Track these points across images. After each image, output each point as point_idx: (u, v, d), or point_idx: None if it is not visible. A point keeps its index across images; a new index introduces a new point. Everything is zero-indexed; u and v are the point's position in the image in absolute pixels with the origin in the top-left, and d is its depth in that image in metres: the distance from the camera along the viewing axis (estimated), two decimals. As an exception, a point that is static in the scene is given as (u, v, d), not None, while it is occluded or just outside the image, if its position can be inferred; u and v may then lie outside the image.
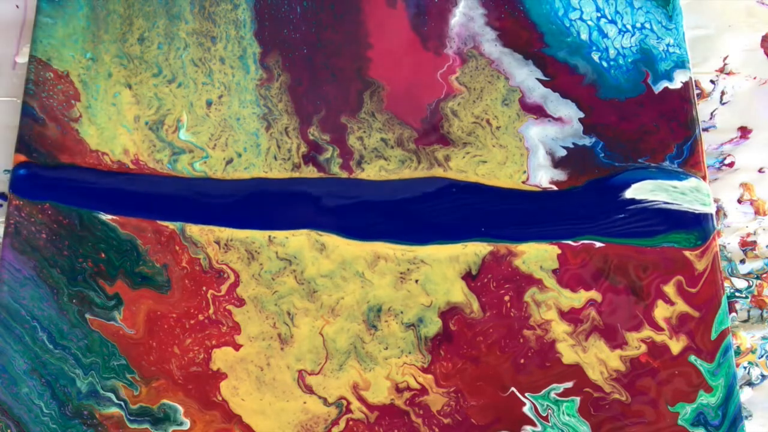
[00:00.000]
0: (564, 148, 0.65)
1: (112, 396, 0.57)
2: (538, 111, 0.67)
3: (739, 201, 0.69)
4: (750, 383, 0.64)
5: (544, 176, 0.64)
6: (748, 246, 0.68)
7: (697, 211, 0.63)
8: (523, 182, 0.64)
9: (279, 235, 0.61)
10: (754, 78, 0.71)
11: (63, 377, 0.58)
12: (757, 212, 0.69)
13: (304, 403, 0.58)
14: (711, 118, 0.70)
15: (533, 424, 0.59)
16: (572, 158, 0.65)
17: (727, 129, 0.70)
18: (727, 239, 0.68)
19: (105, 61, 0.66)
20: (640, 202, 0.64)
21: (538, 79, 0.68)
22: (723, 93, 0.70)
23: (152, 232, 0.61)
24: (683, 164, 0.65)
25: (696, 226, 0.63)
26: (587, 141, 0.66)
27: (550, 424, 0.59)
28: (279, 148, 0.64)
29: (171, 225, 0.61)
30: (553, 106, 0.67)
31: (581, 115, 0.67)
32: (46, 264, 0.60)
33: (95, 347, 0.58)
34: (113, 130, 0.64)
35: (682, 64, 0.69)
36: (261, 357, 0.59)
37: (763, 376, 0.64)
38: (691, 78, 0.68)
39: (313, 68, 0.67)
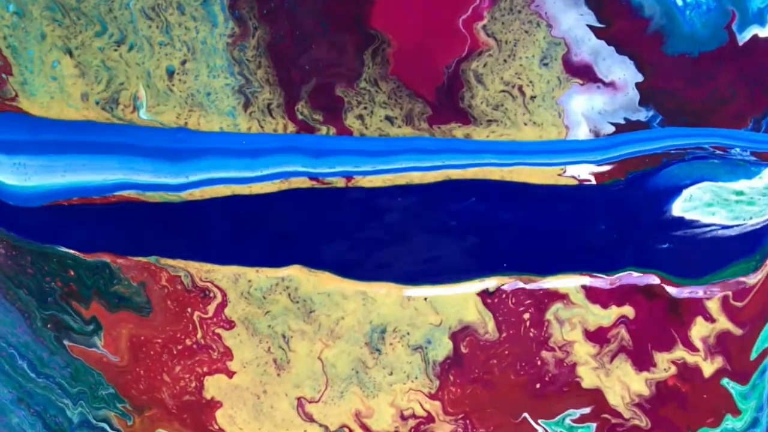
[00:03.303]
0: (613, 125, 0.53)
1: (106, 426, 0.55)
2: (585, 73, 0.52)
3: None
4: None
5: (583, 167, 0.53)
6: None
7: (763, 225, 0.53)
8: (559, 175, 0.53)
9: (265, 273, 0.53)
10: None
11: (52, 407, 0.55)
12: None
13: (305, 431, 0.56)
14: None
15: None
16: (621, 139, 0.53)
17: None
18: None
19: (34, 16, 0.51)
20: (692, 225, 0.53)
21: (589, 26, 0.52)
22: None
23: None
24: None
25: (759, 246, 0.53)
26: (642, 115, 0.53)
27: (561, 451, 0.57)
28: (262, 130, 0.53)
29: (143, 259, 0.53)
30: (605, 66, 0.52)
31: (639, 78, 0.53)
32: (11, 284, 0.53)
33: (80, 376, 0.55)
34: (59, 112, 0.52)
35: (783, -3, 0.52)
36: (256, 384, 0.55)
37: (763, 376, 0.61)
38: (791, 18, 0.52)
39: (297, 16, 0.52)
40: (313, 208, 0.53)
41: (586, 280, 0.54)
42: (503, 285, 0.54)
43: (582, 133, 0.53)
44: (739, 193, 0.54)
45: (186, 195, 0.53)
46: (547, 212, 0.53)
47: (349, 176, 0.53)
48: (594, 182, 0.53)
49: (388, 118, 0.53)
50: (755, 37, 0.52)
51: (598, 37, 0.52)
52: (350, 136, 0.53)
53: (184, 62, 0.52)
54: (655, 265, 0.54)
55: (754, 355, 0.56)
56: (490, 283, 0.54)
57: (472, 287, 0.54)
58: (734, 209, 0.54)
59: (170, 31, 0.52)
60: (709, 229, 0.54)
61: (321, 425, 0.57)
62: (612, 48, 0.53)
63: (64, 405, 0.57)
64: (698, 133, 0.53)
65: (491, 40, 0.53)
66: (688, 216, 0.54)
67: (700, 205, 0.53)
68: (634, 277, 0.54)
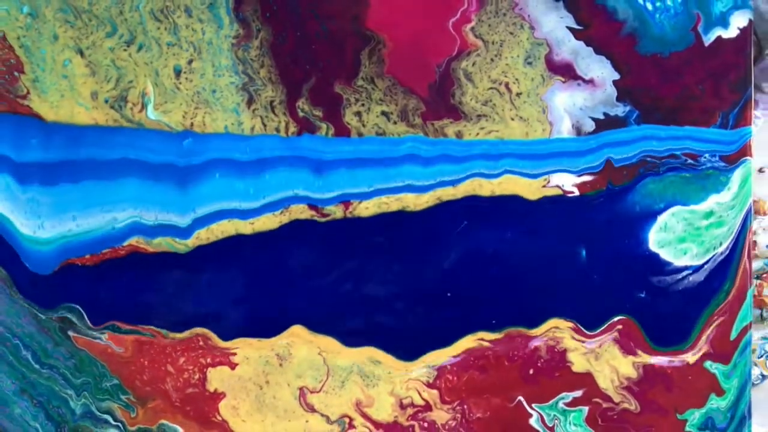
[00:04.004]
0: (593, 120, 0.57)
1: (109, 418, 0.55)
2: (566, 71, 0.57)
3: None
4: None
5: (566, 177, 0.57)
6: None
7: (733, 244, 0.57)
8: (543, 186, 0.56)
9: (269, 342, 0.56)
10: None
11: (55, 398, 0.55)
12: (757, 212, 0.63)
13: (307, 422, 0.57)
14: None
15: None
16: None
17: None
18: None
19: (47, 18, 0.54)
20: (665, 270, 0.56)
21: (569, 28, 0.57)
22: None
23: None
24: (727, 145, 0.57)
25: (727, 272, 0.57)
26: (620, 110, 0.57)
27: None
28: (265, 127, 0.55)
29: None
30: (584, 65, 0.56)
31: (616, 76, 0.57)
32: (16, 275, 0.55)
33: (84, 367, 0.55)
34: (69, 110, 0.55)
35: (742, 2, 0.57)
36: (259, 375, 0.56)
37: (763, 376, 0.63)
38: (751, 21, 0.57)
39: (298, 19, 0.55)
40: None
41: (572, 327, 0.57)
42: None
43: (565, 128, 0.56)
44: (709, 214, 0.57)
45: (192, 241, 0.55)
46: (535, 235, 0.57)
47: (347, 201, 0.56)
48: (577, 193, 0.57)
49: (384, 114, 0.56)
50: (719, 38, 0.57)
51: (577, 38, 0.57)
52: (348, 137, 0.56)
53: (190, 62, 0.55)
54: (636, 318, 0.57)
55: (734, 334, 0.59)
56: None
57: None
58: (705, 239, 0.57)
59: (178, 32, 0.55)
60: (681, 276, 0.57)
61: (323, 415, 0.57)
62: (590, 48, 0.57)
63: (68, 396, 0.57)
64: (671, 135, 0.57)
65: (479, 41, 0.56)
66: (663, 254, 0.57)
67: (673, 239, 0.57)
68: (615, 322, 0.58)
